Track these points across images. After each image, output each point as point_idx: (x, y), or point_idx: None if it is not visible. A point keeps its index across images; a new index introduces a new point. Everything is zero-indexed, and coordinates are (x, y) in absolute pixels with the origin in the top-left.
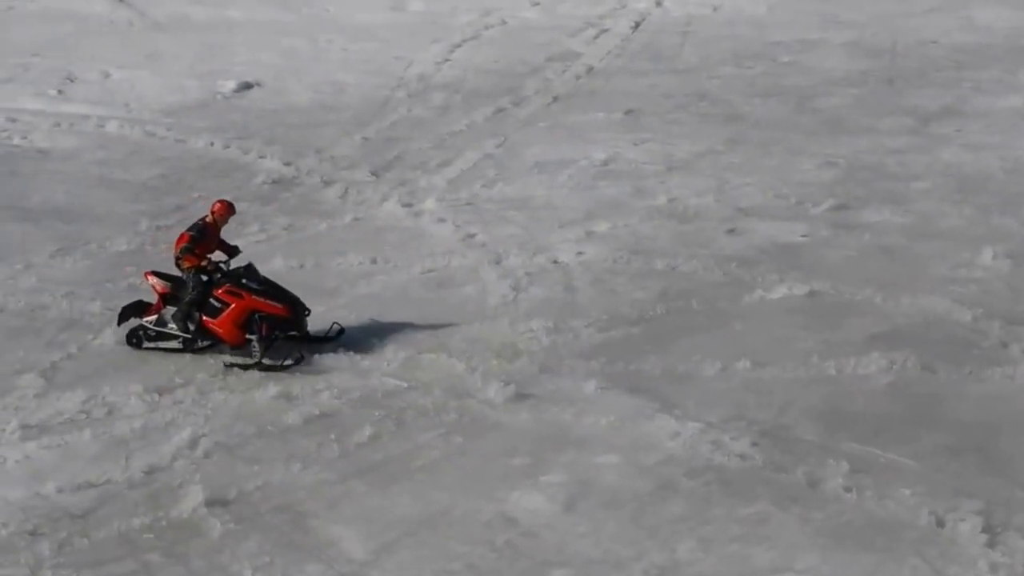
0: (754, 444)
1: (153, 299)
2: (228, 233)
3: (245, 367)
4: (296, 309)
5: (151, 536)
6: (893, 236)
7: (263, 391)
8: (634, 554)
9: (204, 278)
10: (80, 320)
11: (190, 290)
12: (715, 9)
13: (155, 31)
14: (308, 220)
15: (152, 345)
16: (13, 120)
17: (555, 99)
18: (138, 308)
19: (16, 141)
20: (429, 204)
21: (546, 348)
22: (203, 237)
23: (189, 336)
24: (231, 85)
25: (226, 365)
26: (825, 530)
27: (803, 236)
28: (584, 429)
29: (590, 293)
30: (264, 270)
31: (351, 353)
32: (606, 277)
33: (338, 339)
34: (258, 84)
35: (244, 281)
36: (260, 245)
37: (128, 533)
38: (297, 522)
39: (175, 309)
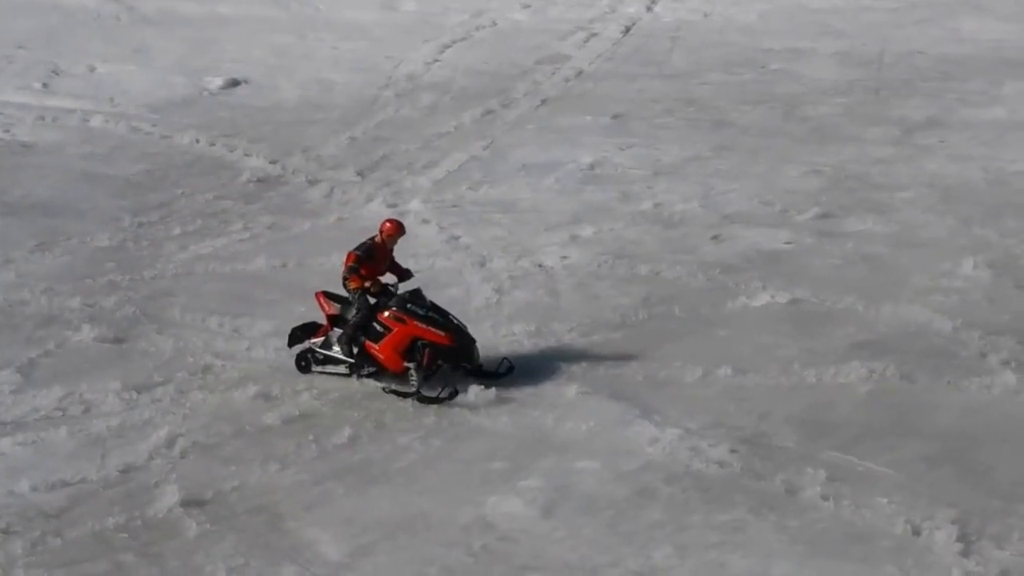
0: (733, 451)
1: (323, 320)
2: (211, 230)
3: (404, 395)
4: (461, 339)
5: (126, 536)
6: (876, 245)
7: (242, 391)
8: (610, 560)
9: (371, 300)
10: (59, 316)
11: (355, 312)
12: (706, 15)
13: (142, 25)
14: (292, 219)
15: (320, 369)
16: None
17: (544, 102)
18: (308, 330)
19: None
20: (414, 205)
21: (528, 352)
22: (370, 257)
23: (353, 361)
24: (218, 82)
25: (384, 390)
26: (802, 538)
27: (787, 244)
28: (564, 434)
29: (573, 297)
30: (247, 269)
31: None
32: (590, 282)
33: (508, 376)
34: (246, 81)
35: (409, 306)
36: (244, 244)
37: (102, 532)
38: (273, 523)
39: (341, 332)
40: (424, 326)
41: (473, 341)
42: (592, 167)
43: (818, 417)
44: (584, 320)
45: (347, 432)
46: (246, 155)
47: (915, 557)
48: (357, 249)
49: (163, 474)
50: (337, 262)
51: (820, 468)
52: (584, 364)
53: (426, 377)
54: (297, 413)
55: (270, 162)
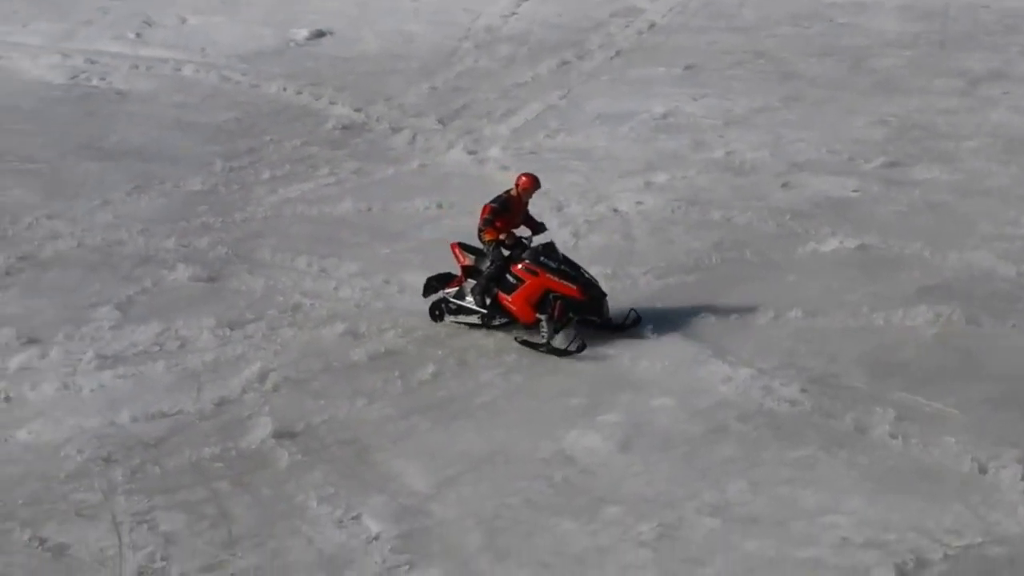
0: (804, 390)
1: (457, 270)
2: (298, 175)
3: (534, 346)
4: (591, 292)
5: (221, 465)
6: (942, 193)
7: (330, 328)
8: (686, 494)
9: (505, 253)
10: (155, 256)
11: (489, 264)
12: None
13: None
14: (376, 165)
15: (452, 319)
16: (93, 62)
17: (618, 53)
18: (442, 279)
19: (95, 82)
20: (494, 152)
21: (605, 294)
22: (505, 210)
23: (486, 311)
24: (304, 33)
25: (518, 341)
26: (871, 475)
27: (855, 191)
28: (640, 372)
29: (648, 242)
30: (333, 212)
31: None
32: (664, 226)
33: (636, 327)
34: (330, 32)
35: (542, 259)
36: (330, 188)
37: (199, 462)
38: (361, 455)
39: (475, 283)
40: (556, 279)
41: (604, 295)
42: (665, 116)
43: (886, 358)
44: (659, 263)
45: (431, 369)
46: (331, 103)
47: (982, 494)
48: (493, 202)
49: (256, 407)
50: (420, 206)
51: (889, 408)
52: (659, 306)
53: (556, 329)
54: (383, 350)
55: (354, 110)
